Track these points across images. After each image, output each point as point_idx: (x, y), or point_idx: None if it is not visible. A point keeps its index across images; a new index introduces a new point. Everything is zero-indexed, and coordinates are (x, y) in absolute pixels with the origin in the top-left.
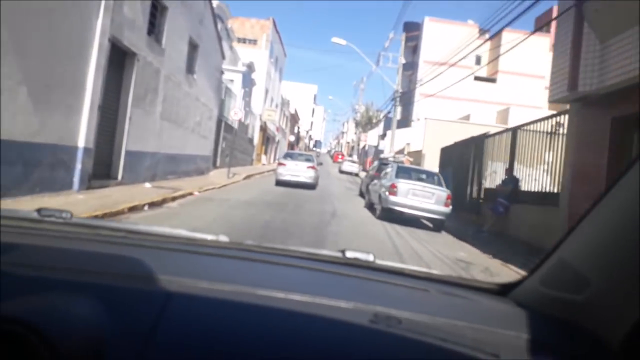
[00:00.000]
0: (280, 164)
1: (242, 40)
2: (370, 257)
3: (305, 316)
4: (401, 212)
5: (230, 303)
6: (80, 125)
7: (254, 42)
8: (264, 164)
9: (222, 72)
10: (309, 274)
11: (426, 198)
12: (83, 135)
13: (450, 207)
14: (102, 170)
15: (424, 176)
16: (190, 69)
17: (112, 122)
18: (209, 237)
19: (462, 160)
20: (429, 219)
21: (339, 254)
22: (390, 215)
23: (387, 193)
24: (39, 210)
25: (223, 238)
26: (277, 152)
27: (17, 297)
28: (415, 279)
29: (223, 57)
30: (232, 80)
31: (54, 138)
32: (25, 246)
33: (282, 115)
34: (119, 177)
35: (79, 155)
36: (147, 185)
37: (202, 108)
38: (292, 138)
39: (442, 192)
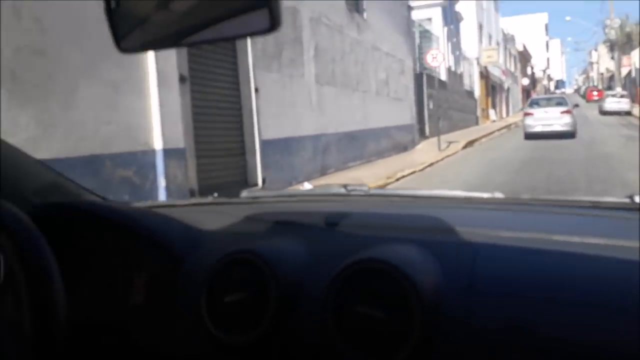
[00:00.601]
0: (526, 114)
1: None
2: None
3: (605, 258)
4: None
5: (531, 249)
6: (150, 112)
7: None
8: (493, 121)
9: (410, 8)
10: (598, 221)
11: None
12: (158, 129)
13: None
14: (224, 178)
15: None
16: (354, 5)
17: (225, 101)
18: (485, 195)
19: None
20: None
21: (627, 200)
22: None
23: None
24: (345, 186)
25: (498, 195)
26: (508, 102)
27: (366, 250)
28: None
29: None
30: (429, 19)
31: (85, 146)
32: (349, 212)
33: (508, 55)
34: (259, 182)
35: (159, 163)
36: (307, 186)
37: (387, 60)
38: (525, 82)
39: None
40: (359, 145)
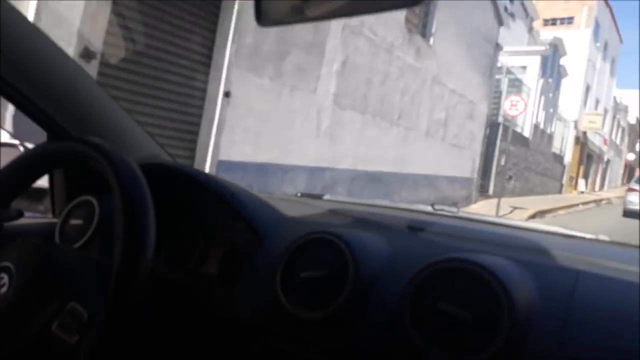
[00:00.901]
0: (631, 189)
1: (551, 22)
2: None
3: None
4: None
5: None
6: None
7: (568, 20)
8: (581, 192)
9: (498, 47)
10: None
11: None
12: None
13: None
14: None
15: None
16: (419, 26)
17: (173, 101)
18: (588, 235)
19: None
20: None
21: None
22: None
23: None
24: (432, 205)
25: (603, 237)
26: (605, 175)
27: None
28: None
29: (500, 22)
30: (523, 67)
31: None
32: (435, 222)
33: (616, 125)
34: None
35: None
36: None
37: (452, 98)
38: (631, 157)
39: None
40: (383, 191)
